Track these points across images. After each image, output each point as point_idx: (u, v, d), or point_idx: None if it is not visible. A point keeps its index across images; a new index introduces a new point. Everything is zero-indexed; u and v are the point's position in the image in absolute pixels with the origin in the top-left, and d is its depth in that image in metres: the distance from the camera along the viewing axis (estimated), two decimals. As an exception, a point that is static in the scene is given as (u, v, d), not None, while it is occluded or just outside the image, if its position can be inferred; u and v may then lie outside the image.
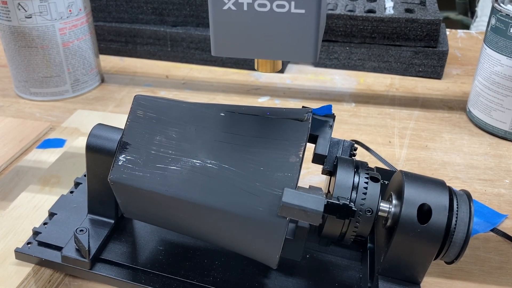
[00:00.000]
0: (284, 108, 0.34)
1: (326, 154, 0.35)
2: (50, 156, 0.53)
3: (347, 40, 0.75)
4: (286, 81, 0.74)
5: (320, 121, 0.35)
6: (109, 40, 0.81)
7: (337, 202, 0.32)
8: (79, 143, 0.53)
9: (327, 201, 0.31)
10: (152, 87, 0.72)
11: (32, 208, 0.43)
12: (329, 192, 0.36)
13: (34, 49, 0.65)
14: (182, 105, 0.34)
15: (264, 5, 0.27)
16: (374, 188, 0.33)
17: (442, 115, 0.66)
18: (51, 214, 0.40)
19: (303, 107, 0.35)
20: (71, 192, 0.43)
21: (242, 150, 0.32)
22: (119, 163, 0.33)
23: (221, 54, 0.29)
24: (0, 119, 0.63)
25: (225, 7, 0.27)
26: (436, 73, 0.74)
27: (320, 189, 0.33)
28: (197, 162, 0.32)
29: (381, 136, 0.61)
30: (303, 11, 0.27)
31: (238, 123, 0.33)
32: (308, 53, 0.28)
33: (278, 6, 0.27)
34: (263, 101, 0.69)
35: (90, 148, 0.36)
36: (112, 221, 0.39)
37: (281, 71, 0.76)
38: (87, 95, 0.70)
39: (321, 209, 0.29)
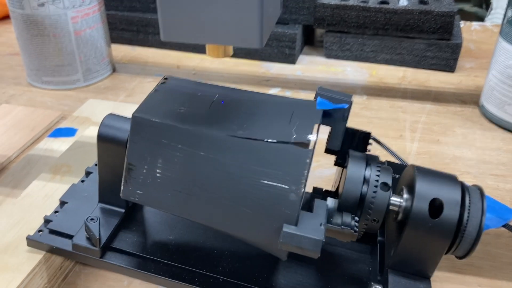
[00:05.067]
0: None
1: (339, 149, 0.35)
2: (61, 145, 0.54)
3: (360, 32, 0.74)
4: (297, 73, 0.74)
5: (334, 111, 0.35)
6: (121, 29, 0.81)
7: (337, 227, 0.32)
8: (90, 133, 0.54)
9: (328, 226, 0.32)
10: (163, 77, 0.72)
11: (43, 196, 0.43)
12: (340, 188, 0.36)
13: (47, 38, 0.65)
14: (181, 128, 0.33)
15: None
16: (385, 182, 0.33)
17: (454, 109, 0.65)
18: (62, 203, 0.41)
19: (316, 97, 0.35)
20: (82, 181, 0.43)
21: (247, 183, 0.32)
22: (126, 182, 0.34)
23: (170, 39, 0.30)
24: (12, 108, 0.63)
25: None
26: (449, 66, 0.73)
27: (324, 205, 0.33)
28: (203, 186, 0.33)
29: (392, 130, 0.60)
30: None
31: (239, 149, 0.32)
32: (254, 39, 0.28)
33: None
34: (273, 92, 0.68)
35: (102, 138, 0.36)
36: (123, 210, 0.39)
37: (292, 61, 0.76)
38: (99, 84, 0.70)
39: (319, 248, 0.30)
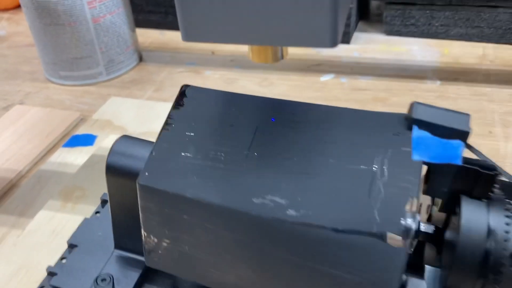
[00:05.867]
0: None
1: (446, 199, 0.24)
2: (78, 156, 0.45)
3: (428, 2, 0.62)
4: (353, 54, 0.62)
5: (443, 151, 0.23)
6: (147, 11, 0.71)
7: None
8: (110, 143, 0.44)
9: None
10: (196, 66, 0.62)
11: (50, 233, 0.35)
12: (448, 229, 0.25)
13: (61, 27, 0.56)
14: (208, 205, 0.22)
15: None
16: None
17: (554, 94, 0.52)
18: (71, 246, 0.32)
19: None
20: (97, 212, 0.34)
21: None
22: (148, 253, 0.26)
23: (195, 40, 0.20)
24: (26, 109, 0.55)
25: None
26: (541, 39, 0.60)
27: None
28: (248, 272, 0.23)
29: (478, 125, 0.48)
30: None
31: (292, 240, 0.21)
32: (322, 36, 0.18)
33: None
34: (326, 80, 0.57)
35: (112, 170, 0.27)
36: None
37: (347, 41, 0.64)
38: (123, 77, 0.61)
39: None
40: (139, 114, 0.50)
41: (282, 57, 0.22)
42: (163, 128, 0.25)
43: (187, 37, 0.20)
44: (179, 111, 0.25)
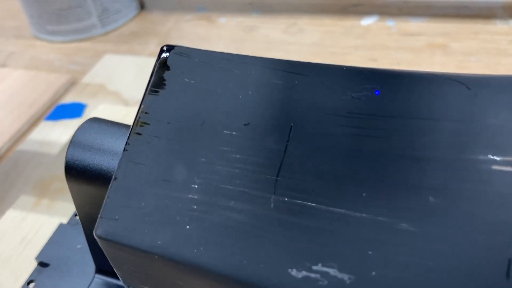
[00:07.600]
0: None
1: None
2: (63, 132, 0.36)
3: None
4: (399, -10, 0.51)
5: None
6: (149, -51, 0.60)
7: None
8: (100, 113, 0.36)
9: None
10: (208, 12, 0.52)
11: (19, 242, 0.26)
12: None
13: (41, -30, 0.46)
14: (192, 268, 0.13)
15: None
16: None
17: None
18: (42, 265, 0.24)
19: None
20: (76, 214, 0.26)
21: None
22: None
23: None
24: (8, 73, 0.46)
25: None
26: None
27: None
28: None
29: None
30: None
31: None
32: None
33: None
34: (368, 24, 0.46)
35: (73, 171, 0.18)
36: None
37: (390, -25, 0.52)
38: (122, 29, 0.51)
39: None
40: (139, 75, 0.41)
41: None
42: (132, 131, 0.15)
43: None
44: (157, 98, 0.15)
